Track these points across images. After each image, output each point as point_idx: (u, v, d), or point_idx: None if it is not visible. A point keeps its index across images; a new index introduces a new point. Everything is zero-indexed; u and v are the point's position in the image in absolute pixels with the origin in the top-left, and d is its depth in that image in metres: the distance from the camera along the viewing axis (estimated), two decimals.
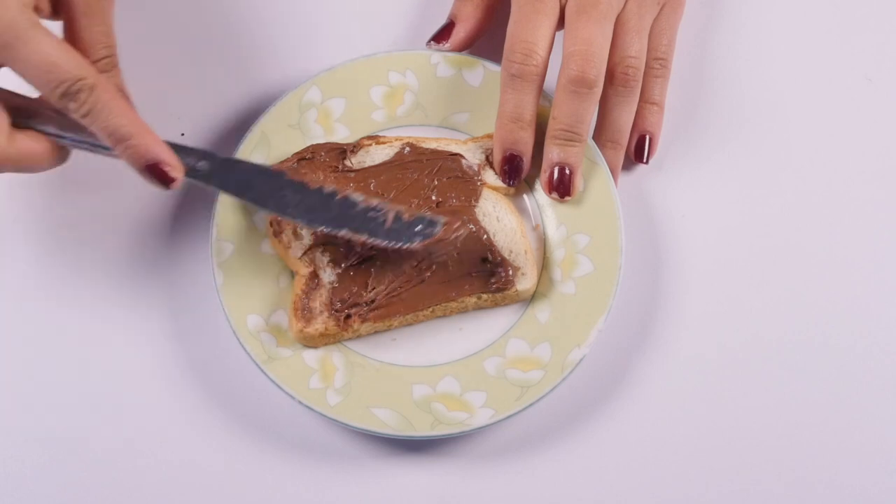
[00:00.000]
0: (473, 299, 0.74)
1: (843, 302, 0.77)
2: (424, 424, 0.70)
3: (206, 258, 0.75)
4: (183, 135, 0.79)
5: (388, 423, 0.70)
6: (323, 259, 0.74)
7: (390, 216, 0.72)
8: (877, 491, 0.73)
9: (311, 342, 0.73)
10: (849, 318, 0.76)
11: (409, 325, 0.74)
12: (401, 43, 0.82)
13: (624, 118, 0.76)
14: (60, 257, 0.77)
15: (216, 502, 0.73)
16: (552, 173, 0.75)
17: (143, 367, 0.75)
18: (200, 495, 0.73)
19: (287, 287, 0.74)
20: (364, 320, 0.72)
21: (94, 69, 0.66)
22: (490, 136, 0.77)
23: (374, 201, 0.72)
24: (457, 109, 0.78)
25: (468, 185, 0.76)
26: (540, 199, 0.77)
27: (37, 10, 0.66)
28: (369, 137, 0.77)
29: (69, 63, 0.64)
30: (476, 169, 0.76)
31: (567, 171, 0.75)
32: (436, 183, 0.75)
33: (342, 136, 0.78)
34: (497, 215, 0.75)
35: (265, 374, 0.71)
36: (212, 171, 0.71)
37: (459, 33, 0.79)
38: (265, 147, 0.76)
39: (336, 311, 0.72)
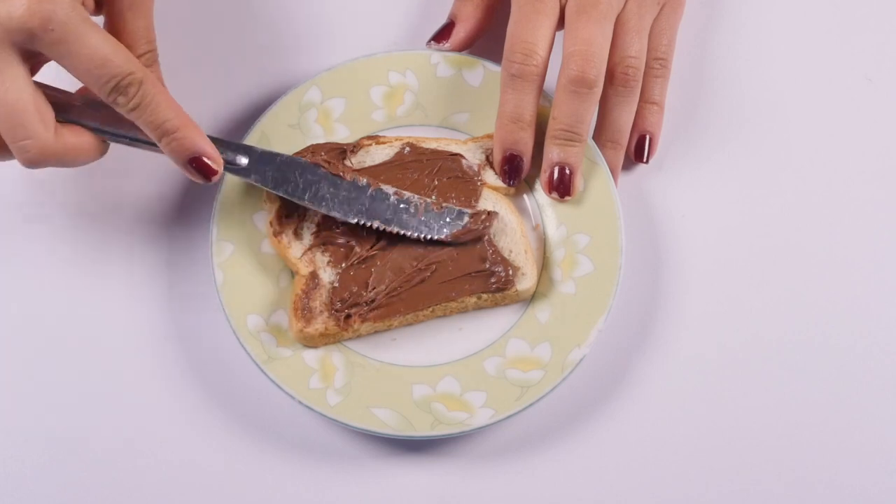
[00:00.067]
0: (473, 299, 0.74)
1: (843, 302, 0.77)
2: (424, 424, 0.70)
3: (206, 258, 0.75)
4: None
5: (388, 423, 0.70)
6: (323, 259, 0.74)
7: (421, 208, 0.73)
8: (877, 491, 0.73)
9: (311, 342, 0.73)
10: (849, 318, 0.76)
11: (410, 324, 0.74)
12: (401, 43, 0.82)
13: (624, 118, 0.76)
14: (60, 258, 0.77)
15: (216, 502, 0.73)
16: (552, 173, 0.75)
17: (143, 367, 0.75)
18: (200, 495, 0.73)
19: (287, 287, 0.74)
20: (364, 320, 0.72)
21: (140, 63, 0.66)
22: (490, 136, 0.77)
23: (405, 193, 0.73)
24: (457, 109, 0.78)
25: (468, 185, 0.76)
26: (540, 198, 0.77)
27: (83, 5, 0.67)
28: (369, 137, 0.77)
29: (119, 58, 0.65)
30: (476, 169, 0.76)
31: (567, 171, 0.75)
32: (436, 183, 0.75)
33: (342, 136, 0.78)
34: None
35: (265, 374, 0.71)
36: (250, 165, 0.72)
37: (459, 33, 0.79)
38: (265, 147, 0.76)
39: (336, 310, 0.72)
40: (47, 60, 0.66)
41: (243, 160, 0.73)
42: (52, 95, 0.68)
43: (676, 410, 0.74)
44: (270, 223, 0.74)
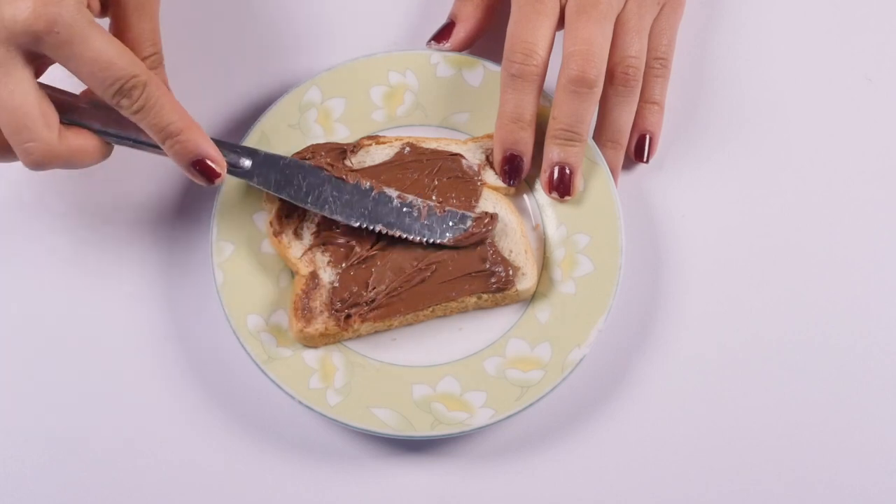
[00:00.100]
0: (473, 299, 0.74)
1: (843, 302, 0.77)
2: (424, 424, 0.70)
3: (206, 258, 0.75)
4: None
5: (388, 423, 0.70)
6: (323, 259, 0.74)
7: (424, 211, 0.73)
8: (877, 491, 0.73)
9: (311, 342, 0.73)
10: (849, 318, 0.76)
11: (410, 324, 0.74)
12: (401, 43, 0.82)
13: (624, 118, 0.76)
14: (60, 258, 0.77)
15: (216, 502, 0.73)
16: (552, 173, 0.75)
17: (143, 367, 0.75)
18: (200, 495, 0.73)
19: (287, 287, 0.74)
20: (364, 320, 0.72)
21: (144, 66, 0.66)
22: (490, 136, 0.77)
23: (409, 197, 0.73)
24: (457, 109, 0.78)
25: (468, 185, 0.76)
26: (540, 198, 0.77)
27: (88, 7, 0.67)
28: (369, 137, 0.77)
29: (124, 60, 0.65)
30: (476, 169, 0.76)
31: (567, 171, 0.75)
32: (436, 183, 0.75)
33: (342, 136, 0.78)
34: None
35: (265, 374, 0.71)
36: (253, 168, 0.73)
37: (460, 33, 0.79)
38: (265, 147, 0.76)
39: (336, 310, 0.72)
40: (52, 62, 0.66)
41: (246, 163, 0.73)
42: (57, 97, 0.68)
43: (676, 410, 0.74)
44: (270, 223, 0.74)
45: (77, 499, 0.73)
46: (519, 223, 0.75)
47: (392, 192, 0.74)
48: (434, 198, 0.75)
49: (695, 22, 0.83)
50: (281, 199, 0.74)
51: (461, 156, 0.76)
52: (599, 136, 0.77)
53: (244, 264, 0.74)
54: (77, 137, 0.68)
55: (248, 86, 0.81)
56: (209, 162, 0.69)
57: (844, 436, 0.74)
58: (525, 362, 0.72)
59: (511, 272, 0.73)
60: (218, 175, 0.70)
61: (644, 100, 0.78)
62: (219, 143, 0.71)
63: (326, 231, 0.74)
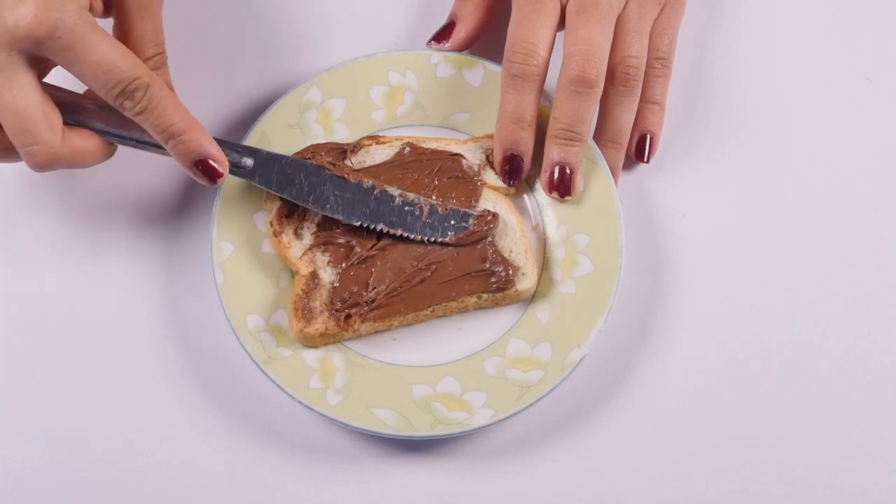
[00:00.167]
0: (474, 299, 0.74)
1: (843, 302, 0.77)
2: (424, 424, 0.70)
3: (206, 258, 0.75)
4: None
5: (388, 423, 0.70)
6: (323, 259, 0.74)
7: (426, 210, 0.73)
8: (877, 491, 0.73)
9: (311, 342, 0.73)
10: (849, 318, 0.76)
11: (410, 324, 0.74)
12: (401, 43, 0.82)
13: (625, 118, 0.76)
14: (60, 258, 0.77)
15: (216, 502, 0.73)
16: (552, 173, 0.75)
17: (143, 367, 0.75)
18: (200, 495, 0.73)
19: (287, 287, 0.74)
20: (364, 320, 0.72)
21: (147, 67, 0.67)
22: (490, 136, 0.77)
23: (410, 195, 0.73)
24: (457, 109, 0.78)
25: (468, 185, 0.76)
26: (540, 198, 0.77)
27: (91, 9, 0.67)
28: (369, 137, 0.77)
29: (126, 63, 0.65)
30: (476, 169, 0.76)
31: (567, 171, 0.75)
32: (436, 183, 0.75)
33: (342, 136, 0.78)
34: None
35: (265, 374, 0.71)
36: (255, 167, 0.73)
37: (460, 33, 0.79)
38: (265, 147, 0.76)
39: (336, 310, 0.72)
40: (56, 64, 0.66)
41: (248, 162, 0.73)
42: (61, 97, 0.68)
43: (676, 410, 0.74)
44: (270, 223, 0.74)
45: (77, 499, 0.73)
46: (519, 223, 0.75)
47: (394, 191, 0.74)
48: (434, 198, 0.75)
49: (695, 22, 0.83)
50: (282, 199, 0.74)
51: (461, 156, 0.76)
52: (600, 136, 0.77)
53: (244, 264, 0.74)
54: (80, 139, 0.68)
55: (248, 86, 0.81)
56: (211, 162, 0.69)
57: (844, 436, 0.74)
58: (525, 362, 0.72)
59: (511, 272, 0.73)
60: (220, 175, 0.70)
61: (645, 100, 0.78)
62: (221, 142, 0.71)
63: (326, 231, 0.74)
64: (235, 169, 0.72)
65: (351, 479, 0.73)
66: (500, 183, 0.76)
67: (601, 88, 0.73)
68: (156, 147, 0.70)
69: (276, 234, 0.74)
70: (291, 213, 0.75)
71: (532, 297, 0.75)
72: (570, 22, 0.73)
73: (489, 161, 0.77)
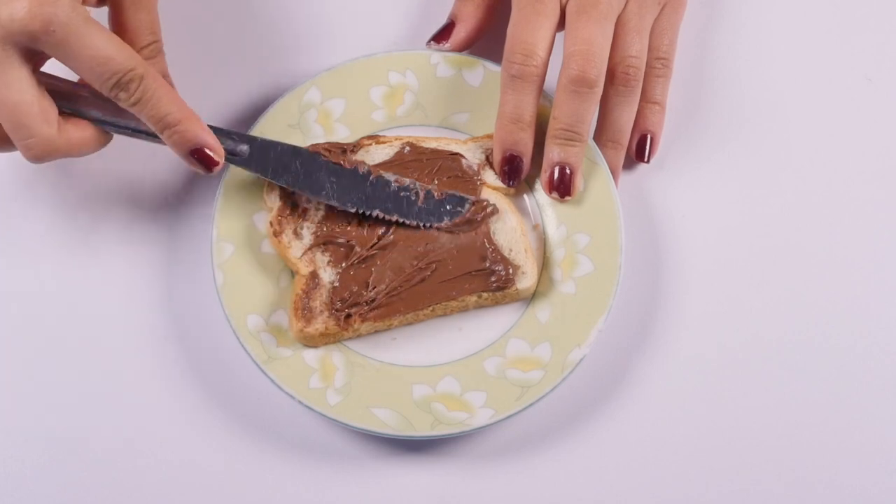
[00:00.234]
0: (474, 298, 0.74)
1: (843, 302, 0.77)
2: (424, 424, 0.70)
3: (206, 258, 0.75)
4: None
5: (388, 423, 0.70)
6: (323, 259, 0.74)
7: (422, 195, 0.73)
8: (877, 491, 0.73)
9: (311, 342, 0.73)
10: (849, 318, 0.76)
11: (410, 324, 0.74)
12: (401, 43, 0.82)
13: (625, 118, 0.76)
14: (60, 257, 0.77)
15: (216, 502, 0.73)
16: (552, 173, 0.75)
17: (143, 367, 0.75)
18: (200, 495, 0.73)
19: (287, 287, 0.74)
20: (364, 320, 0.72)
21: (141, 59, 0.67)
22: (490, 136, 0.77)
23: (406, 180, 0.74)
24: (457, 109, 0.78)
25: (468, 185, 0.76)
26: (540, 198, 0.77)
27: (84, 1, 0.67)
28: (369, 137, 0.77)
29: (121, 55, 0.66)
30: (476, 169, 0.76)
31: (567, 171, 0.75)
32: (436, 182, 0.75)
33: (342, 136, 0.78)
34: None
35: (265, 374, 0.71)
36: (251, 155, 0.73)
37: (460, 33, 0.79)
38: None
39: (336, 310, 0.72)
40: (50, 56, 0.66)
41: (244, 149, 0.73)
42: (57, 86, 0.68)
43: (676, 410, 0.74)
44: (270, 223, 0.74)
45: (77, 499, 0.73)
46: (519, 222, 0.75)
47: (390, 177, 0.74)
48: (436, 182, 0.75)
49: (695, 22, 0.83)
50: (281, 197, 0.74)
51: (461, 155, 0.76)
52: (600, 136, 0.77)
53: (244, 265, 0.74)
54: (76, 130, 0.68)
55: (248, 86, 0.81)
56: (207, 150, 0.70)
57: (844, 436, 0.74)
58: (525, 362, 0.72)
59: (511, 271, 0.73)
60: (217, 163, 0.70)
61: (645, 100, 0.78)
62: (216, 130, 0.72)
63: (326, 231, 0.74)
64: (231, 157, 0.72)
65: (351, 479, 0.73)
66: (499, 183, 0.76)
67: (601, 88, 0.73)
68: (152, 136, 0.70)
69: (276, 234, 0.74)
70: (291, 212, 0.75)
71: (532, 297, 0.75)
72: (570, 22, 0.73)
73: (489, 161, 0.77)
